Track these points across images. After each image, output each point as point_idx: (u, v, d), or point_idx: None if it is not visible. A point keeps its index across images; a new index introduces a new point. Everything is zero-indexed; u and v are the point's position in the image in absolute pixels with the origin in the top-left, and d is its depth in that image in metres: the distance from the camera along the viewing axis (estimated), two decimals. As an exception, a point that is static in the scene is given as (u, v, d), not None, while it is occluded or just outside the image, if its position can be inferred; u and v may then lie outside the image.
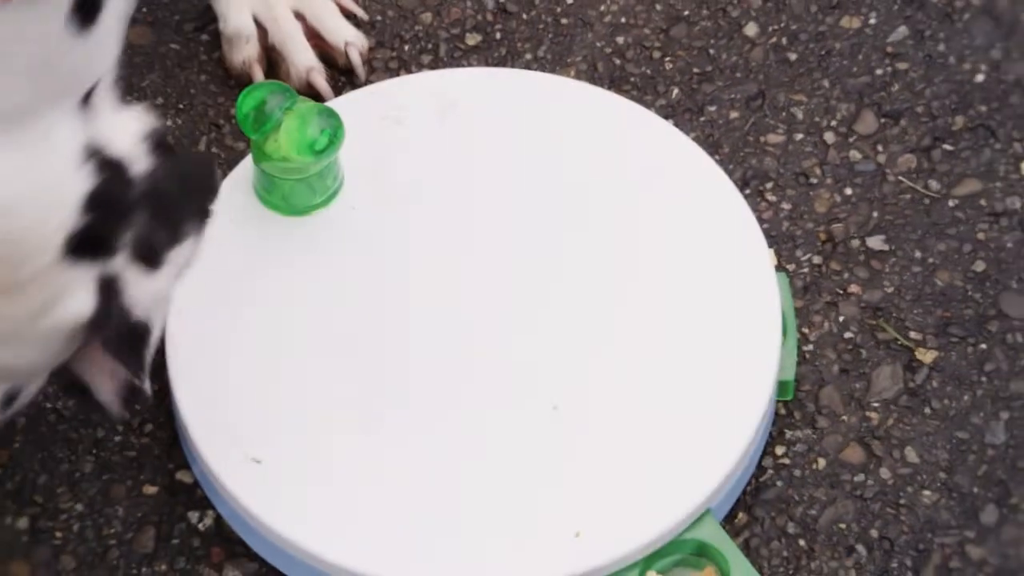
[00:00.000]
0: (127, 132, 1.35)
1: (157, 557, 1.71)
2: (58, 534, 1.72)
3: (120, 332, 1.36)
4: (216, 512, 1.73)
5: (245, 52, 2.01)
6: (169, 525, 1.73)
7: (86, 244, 1.30)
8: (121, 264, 1.33)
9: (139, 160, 1.34)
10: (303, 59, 2.01)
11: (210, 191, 1.42)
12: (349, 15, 2.07)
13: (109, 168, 1.31)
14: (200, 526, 1.74)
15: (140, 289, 1.35)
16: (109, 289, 1.34)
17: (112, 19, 1.32)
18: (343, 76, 2.04)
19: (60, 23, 1.24)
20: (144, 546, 1.72)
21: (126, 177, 1.33)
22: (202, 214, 1.39)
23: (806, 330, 1.87)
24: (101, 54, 1.33)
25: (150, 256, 1.34)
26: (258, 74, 2.01)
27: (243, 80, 2.01)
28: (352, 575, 1.63)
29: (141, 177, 1.34)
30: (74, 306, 1.33)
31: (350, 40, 2.04)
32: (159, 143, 1.37)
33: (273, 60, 2.03)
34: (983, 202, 1.96)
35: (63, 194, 1.29)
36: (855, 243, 1.93)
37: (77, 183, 1.29)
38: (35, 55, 1.24)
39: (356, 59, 2.04)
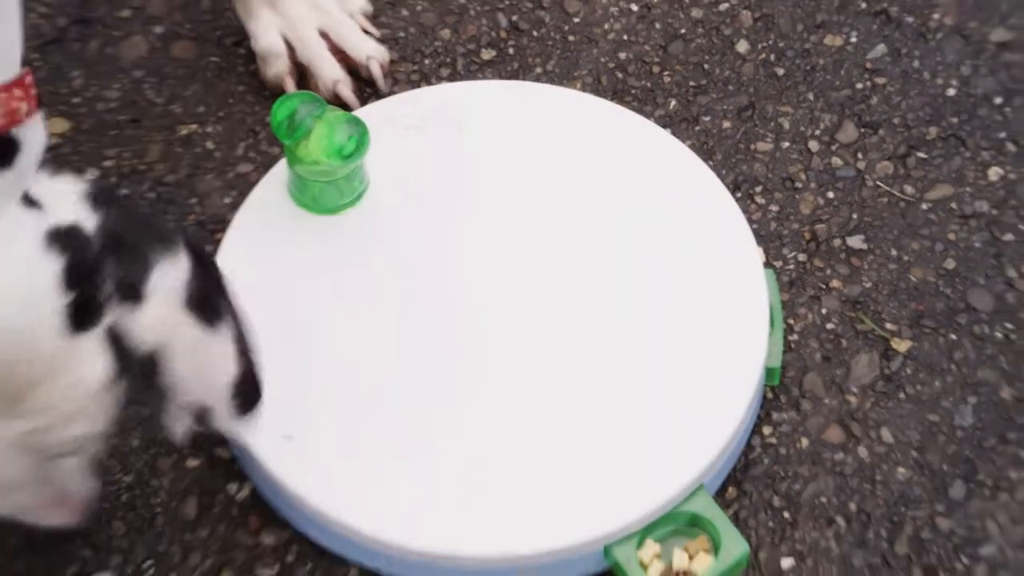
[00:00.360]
0: (69, 199, 1.31)
1: (199, 524, 1.70)
2: (106, 504, 1.71)
3: (142, 370, 1.36)
4: (252, 484, 1.72)
5: (277, 67, 2.02)
6: (210, 496, 1.72)
7: (79, 314, 1.29)
8: (113, 312, 1.31)
9: (88, 218, 1.31)
10: (330, 73, 2.01)
11: (152, 216, 1.40)
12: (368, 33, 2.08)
13: (69, 239, 1.29)
14: (238, 497, 1.73)
15: (139, 324, 1.33)
16: (114, 339, 1.32)
17: None
18: (368, 88, 2.03)
19: None
20: (187, 514, 1.70)
21: (85, 239, 1.30)
22: (160, 236, 1.36)
23: (791, 321, 1.86)
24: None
25: (133, 293, 1.32)
26: (290, 86, 2.02)
27: (277, 91, 2.01)
28: (372, 539, 1.62)
29: (96, 231, 1.31)
30: (96, 368, 1.32)
31: (371, 54, 2.04)
32: (96, 196, 1.33)
33: (303, 73, 2.03)
34: (954, 205, 1.95)
35: (44, 282, 1.26)
36: (836, 242, 1.92)
37: (50, 266, 1.27)
38: None
39: (377, 71, 2.03)
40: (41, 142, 1.29)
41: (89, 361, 1.32)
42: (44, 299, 1.27)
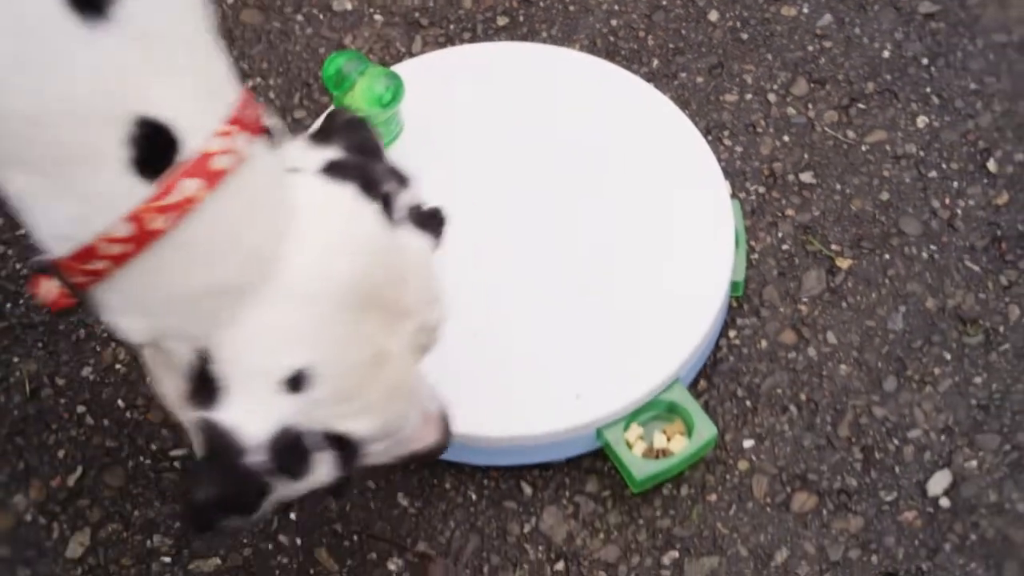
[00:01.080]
0: (301, 148, 1.24)
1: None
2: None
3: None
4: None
5: None
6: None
7: (386, 213, 1.23)
8: (400, 199, 1.26)
9: (334, 149, 1.24)
10: None
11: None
12: None
13: (343, 170, 1.22)
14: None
15: (412, 196, 1.29)
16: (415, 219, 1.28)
17: None
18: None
19: None
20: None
21: (353, 163, 1.24)
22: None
23: (753, 243, 1.83)
24: None
25: (401, 178, 1.28)
26: None
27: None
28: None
29: (349, 154, 1.25)
30: (423, 244, 1.27)
31: None
32: (318, 136, 1.26)
33: None
34: (888, 148, 1.92)
35: (360, 205, 1.21)
36: (791, 177, 1.89)
37: (348, 189, 1.21)
38: None
39: None
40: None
41: (415, 243, 1.26)
42: (367, 217, 1.20)
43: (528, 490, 1.64)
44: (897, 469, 1.67)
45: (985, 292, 1.79)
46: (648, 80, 1.92)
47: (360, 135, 1.28)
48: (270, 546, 1.61)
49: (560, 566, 1.60)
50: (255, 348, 1.14)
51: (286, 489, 1.19)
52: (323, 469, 1.20)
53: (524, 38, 2.02)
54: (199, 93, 1.10)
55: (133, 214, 1.07)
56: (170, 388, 1.20)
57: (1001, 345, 1.75)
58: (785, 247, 1.83)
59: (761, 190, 1.88)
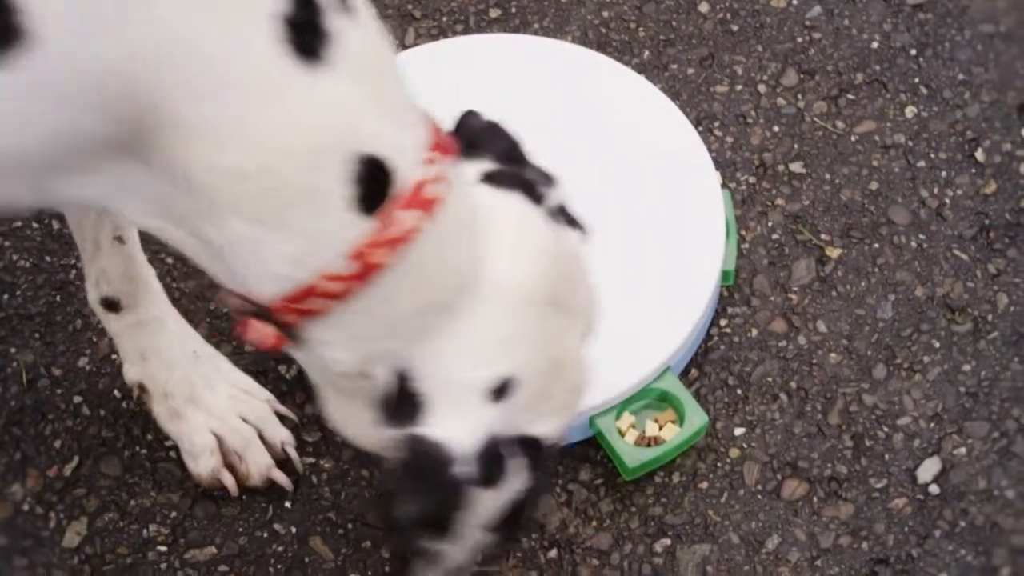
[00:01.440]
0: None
1: (256, 399, 1.67)
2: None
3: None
4: (299, 365, 1.67)
5: (212, 463, 1.60)
6: (264, 373, 1.69)
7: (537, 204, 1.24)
8: (549, 197, 1.28)
9: (481, 161, 1.25)
10: (263, 459, 1.62)
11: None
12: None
13: (500, 178, 1.25)
14: (287, 375, 1.70)
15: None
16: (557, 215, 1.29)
17: None
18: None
19: None
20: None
21: (509, 173, 1.26)
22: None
23: (743, 232, 1.82)
24: None
25: (548, 178, 1.30)
26: (228, 479, 1.60)
27: (215, 487, 1.62)
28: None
29: (497, 160, 1.27)
30: (574, 238, 1.29)
31: (284, 439, 1.63)
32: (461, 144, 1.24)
33: (229, 464, 1.62)
34: (877, 138, 1.91)
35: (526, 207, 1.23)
36: (780, 167, 1.88)
37: (515, 196, 1.23)
38: None
39: (293, 455, 1.63)
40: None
41: (572, 242, 1.27)
42: (540, 222, 1.22)
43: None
44: (887, 456, 1.66)
45: (973, 280, 1.79)
46: (639, 71, 1.91)
47: (505, 141, 1.29)
48: (265, 534, 1.60)
49: (553, 554, 1.59)
50: (460, 360, 1.14)
51: (481, 504, 1.18)
52: (518, 476, 1.19)
53: (516, 30, 2.01)
54: (403, 123, 1.11)
55: (357, 251, 1.07)
56: (355, 415, 1.21)
57: (989, 333, 1.75)
58: (775, 236, 1.82)
59: (751, 180, 1.87)
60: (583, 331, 1.25)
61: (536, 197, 1.23)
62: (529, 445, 1.19)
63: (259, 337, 1.15)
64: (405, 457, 1.15)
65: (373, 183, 1.07)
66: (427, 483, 1.15)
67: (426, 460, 1.14)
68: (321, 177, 1.05)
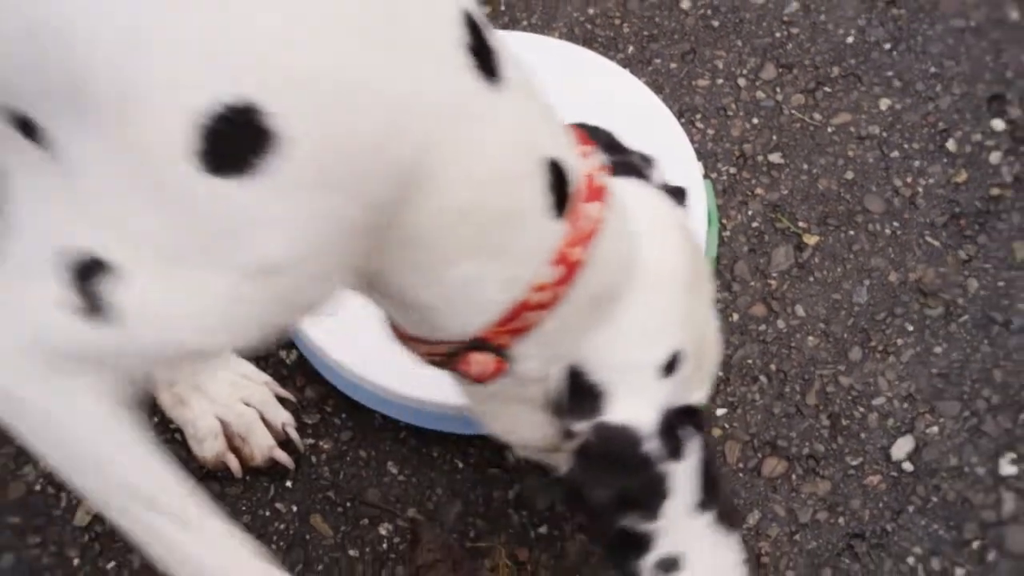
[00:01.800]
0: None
1: (257, 383, 1.69)
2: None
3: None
4: (298, 350, 1.70)
5: (216, 446, 1.63)
6: (264, 359, 1.71)
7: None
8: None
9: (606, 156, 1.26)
10: (265, 440, 1.64)
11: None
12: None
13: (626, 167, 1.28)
14: (287, 359, 1.72)
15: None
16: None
17: None
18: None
19: None
20: (248, 375, 1.69)
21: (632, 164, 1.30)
22: None
23: (725, 221, 1.84)
24: None
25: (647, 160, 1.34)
26: (233, 462, 1.63)
27: (220, 469, 1.64)
28: (393, 393, 1.61)
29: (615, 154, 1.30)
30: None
31: (286, 421, 1.65)
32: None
33: (234, 447, 1.65)
34: (852, 129, 1.93)
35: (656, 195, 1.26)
36: (760, 158, 1.90)
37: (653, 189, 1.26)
38: None
39: (294, 435, 1.65)
40: None
41: (681, 214, 1.29)
42: (662, 201, 1.24)
43: (512, 458, 1.65)
44: (862, 435, 1.68)
45: (945, 266, 1.81)
46: (624, 66, 1.93)
47: (600, 134, 1.30)
48: (267, 513, 1.62)
49: (543, 530, 1.61)
50: (633, 344, 1.15)
51: (678, 479, 1.18)
52: (694, 443, 1.20)
53: (505, 26, 2.02)
54: (557, 120, 1.11)
55: (560, 255, 1.07)
56: (522, 421, 1.21)
57: (960, 316, 1.77)
58: (755, 225, 1.84)
59: (732, 170, 1.89)
60: (711, 300, 1.29)
61: (646, 179, 1.26)
62: (689, 414, 1.20)
63: (481, 368, 1.14)
64: (594, 447, 1.15)
65: (559, 185, 1.07)
66: (621, 466, 1.16)
67: (615, 446, 1.15)
68: (525, 192, 1.05)
